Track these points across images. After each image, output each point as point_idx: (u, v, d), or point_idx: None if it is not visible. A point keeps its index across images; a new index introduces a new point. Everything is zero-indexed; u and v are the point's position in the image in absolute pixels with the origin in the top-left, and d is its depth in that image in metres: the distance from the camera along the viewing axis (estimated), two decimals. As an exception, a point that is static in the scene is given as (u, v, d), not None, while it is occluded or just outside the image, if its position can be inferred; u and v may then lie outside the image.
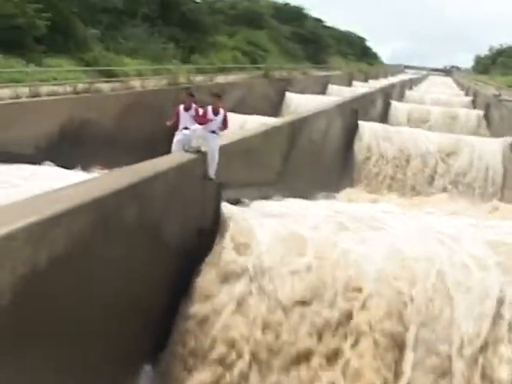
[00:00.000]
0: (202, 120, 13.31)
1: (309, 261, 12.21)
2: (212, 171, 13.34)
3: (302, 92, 50.60)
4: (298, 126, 23.05)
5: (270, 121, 26.44)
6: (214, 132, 13.30)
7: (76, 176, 14.73)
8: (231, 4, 67.51)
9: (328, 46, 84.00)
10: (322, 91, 58.15)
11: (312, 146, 24.83)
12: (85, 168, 23.24)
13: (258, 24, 64.31)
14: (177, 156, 13.12)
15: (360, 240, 12.87)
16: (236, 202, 14.84)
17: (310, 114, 25.69)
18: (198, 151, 13.33)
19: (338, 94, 54.37)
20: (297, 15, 79.21)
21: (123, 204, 10.24)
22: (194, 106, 13.65)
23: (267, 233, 12.92)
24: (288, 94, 48.46)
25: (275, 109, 45.32)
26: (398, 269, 11.83)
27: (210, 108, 13.38)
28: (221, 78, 40.85)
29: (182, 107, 13.76)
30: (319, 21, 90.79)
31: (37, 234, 8.05)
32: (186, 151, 13.35)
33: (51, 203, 8.71)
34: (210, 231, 13.11)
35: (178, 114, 13.81)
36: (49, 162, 21.12)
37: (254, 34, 60.36)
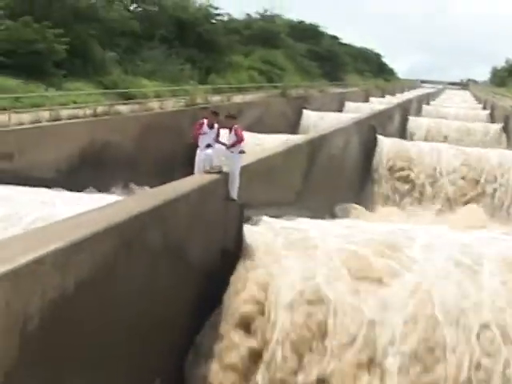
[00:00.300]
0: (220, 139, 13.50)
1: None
2: (234, 192, 13.37)
3: (319, 109, 50.68)
4: (318, 143, 23.14)
5: (289, 138, 26.56)
6: (233, 152, 13.39)
7: (98, 200, 14.75)
8: (246, 24, 67.83)
9: (344, 63, 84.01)
10: (339, 108, 58.20)
11: (331, 163, 24.88)
12: (106, 190, 23.46)
13: (273, 43, 64.52)
14: (199, 177, 13.17)
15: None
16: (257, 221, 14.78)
17: (329, 131, 25.82)
18: (220, 171, 13.37)
19: (355, 110, 54.33)
20: (312, 33, 79.32)
21: (146, 227, 10.25)
22: (216, 126, 13.74)
23: (290, 252, 12.89)
24: (305, 112, 48.65)
25: (293, 127, 45.34)
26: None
27: (227, 132, 13.44)
28: (238, 98, 41.09)
29: (205, 123, 13.77)
30: (335, 38, 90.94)
31: (63, 259, 8.11)
32: (208, 172, 13.37)
33: (75, 228, 8.79)
34: (232, 252, 13.13)
35: (199, 129, 13.82)
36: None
37: (270, 53, 60.56)
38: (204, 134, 13.70)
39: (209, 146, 13.58)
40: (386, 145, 31.89)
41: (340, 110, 56.76)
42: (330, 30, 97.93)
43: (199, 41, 48.85)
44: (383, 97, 79.87)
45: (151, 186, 25.23)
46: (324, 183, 23.43)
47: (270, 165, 17.58)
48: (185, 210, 11.64)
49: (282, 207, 18.00)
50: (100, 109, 27.12)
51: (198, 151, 13.86)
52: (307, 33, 77.95)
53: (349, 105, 60.08)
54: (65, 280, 8.15)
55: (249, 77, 51.43)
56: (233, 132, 13.34)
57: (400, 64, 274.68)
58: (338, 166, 26.21)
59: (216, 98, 38.44)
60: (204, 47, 48.74)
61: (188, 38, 48.36)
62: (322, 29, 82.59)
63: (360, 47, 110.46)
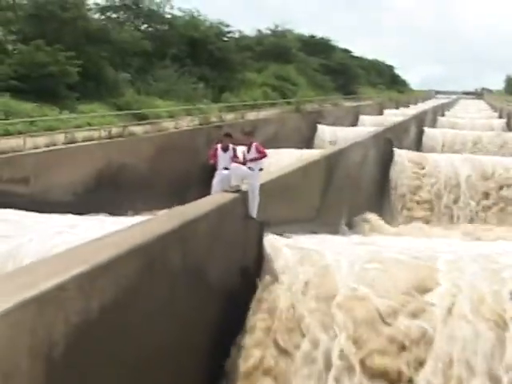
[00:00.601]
0: (237, 160, 13.56)
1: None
2: (253, 210, 13.41)
3: (333, 124, 50.85)
4: (335, 158, 23.12)
5: (303, 154, 26.55)
6: (253, 169, 13.40)
7: (117, 222, 14.83)
8: (257, 40, 67.99)
9: (357, 75, 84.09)
10: (354, 122, 58.28)
11: (349, 178, 24.80)
12: (122, 213, 23.56)
13: (285, 58, 64.67)
14: (217, 197, 13.19)
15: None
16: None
17: (346, 146, 25.79)
18: (238, 190, 13.40)
19: (369, 123, 54.40)
20: (324, 47, 79.41)
21: (168, 248, 10.32)
22: (231, 146, 13.78)
23: (311, 272, 12.88)
24: (320, 127, 48.71)
25: (307, 142, 45.67)
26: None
27: (245, 149, 13.46)
28: (252, 115, 41.33)
29: (219, 148, 13.83)
30: (347, 51, 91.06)
31: (87, 284, 8.16)
32: (226, 191, 13.40)
33: (99, 251, 8.85)
34: (253, 272, 13.18)
35: (215, 155, 13.88)
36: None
37: (282, 69, 60.67)
38: (219, 156, 13.77)
39: (225, 168, 13.68)
40: (403, 158, 31.93)
41: (354, 124, 56.85)
42: (342, 44, 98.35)
43: (211, 59, 49.07)
44: (397, 109, 79.86)
45: (167, 208, 25.64)
46: (342, 198, 23.45)
47: (289, 182, 17.61)
48: (204, 230, 11.68)
49: (301, 224, 17.94)
50: (114, 130, 27.40)
51: (216, 174, 13.97)
52: (319, 47, 78.02)
53: (363, 118, 60.10)
54: (89, 304, 8.18)
55: (262, 93, 51.54)
56: (253, 148, 13.42)
57: (413, 75, 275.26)
58: (356, 180, 26.11)
59: (230, 116, 38.82)
60: (216, 65, 48.99)
61: (200, 56, 48.56)
62: (333, 42, 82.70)
63: (372, 59, 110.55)
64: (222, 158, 13.73)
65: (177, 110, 36.29)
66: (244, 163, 13.45)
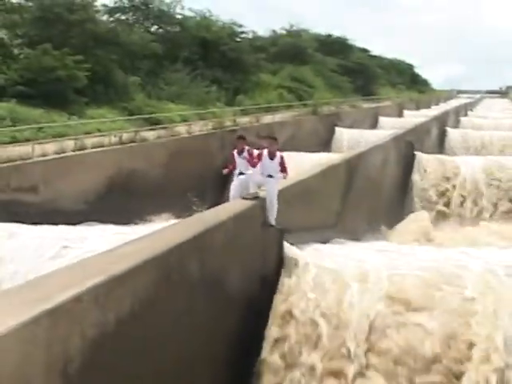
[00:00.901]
0: (255, 162, 13.51)
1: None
2: (272, 217, 13.40)
3: (351, 126, 50.90)
4: (355, 163, 23.09)
5: (321, 157, 26.46)
6: (271, 176, 13.36)
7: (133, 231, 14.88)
8: (272, 40, 67.94)
9: (376, 76, 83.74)
10: (373, 124, 58.23)
11: (369, 182, 24.84)
12: (135, 221, 23.59)
13: (301, 59, 64.53)
14: (235, 204, 13.28)
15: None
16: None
17: (366, 149, 25.76)
18: (256, 197, 13.43)
19: (389, 125, 54.37)
20: (341, 46, 79.15)
21: (185, 257, 10.41)
22: (246, 148, 13.89)
23: (332, 281, 12.83)
24: (338, 129, 48.78)
25: (325, 145, 45.75)
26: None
27: (265, 151, 13.40)
28: (268, 118, 41.38)
29: (235, 152, 13.98)
30: (365, 50, 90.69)
31: (103, 295, 8.17)
32: (244, 198, 13.46)
33: (115, 262, 8.90)
34: (273, 280, 13.23)
35: (233, 159, 14.04)
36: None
37: (298, 70, 60.59)
38: (236, 161, 13.99)
39: (241, 173, 13.85)
40: (425, 161, 32.01)
41: (374, 126, 56.83)
42: (359, 43, 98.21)
43: (224, 60, 48.99)
44: (418, 110, 79.65)
45: (180, 215, 25.71)
46: (363, 203, 23.59)
47: (308, 187, 17.63)
48: (222, 239, 11.75)
49: (321, 230, 18.13)
50: (126, 136, 27.53)
51: (234, 179, 14.17)
52: (336, 46, 77.82)
53: (383, 120, 59.98)
54: (105, 316, 8.21)
55: (278, 96, 51.52)
56: (277, 159, 13.38)
57: (434, 74, 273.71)
58: (377, 184, 26.15)
59: (244, 120, 38.98)
60: (230, 67, 48.89)
61: (213, 58, 48.53)
62: (350, 41, 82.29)
63: (391, 59, 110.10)
64: (238, 162, 13.91)
65: (189, 114, 36.39)
66: (254, 165, 13.46)
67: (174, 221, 24.70)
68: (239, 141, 14.13)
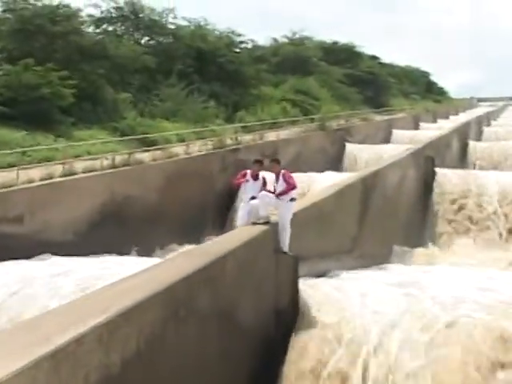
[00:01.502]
0: (267, 189, 13.85)
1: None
2: (285, 244, 13.47)
3: (363, 141, 50.82)
4: (371, 182, 23.28)
5: (334, 177, 26.41)
6: (253, 198, 13.68)
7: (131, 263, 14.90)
8: (273, 50, 68.16)
9: (387, 85, 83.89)
10: (386, 138, 58.12)
11: (387, 202, 25.02)
12: (130, 251, 23.83)
13: (305, 69, 64.76)
14: (245, 230, 13.34)
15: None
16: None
17: (382, 166, 25.94)
18: (268, 222, 13.55)
19: (404, 139, 54.33)
20: (349, 54, 79.29)
21: (194, 290, 10.44)
22: (261, 176, 14.16)
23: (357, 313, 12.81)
24: (348, 146, 48.86)
25: (335, 163, 45.82)
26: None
27: (273, 178, 13.66)
28: (272, 135, 41.59)
29: (249, 175, 14.20)
30: (375, 58, 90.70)
31: (107, 335, 8.14)
32: (254, 223, 13.59)
33: (119, 298, 8.93)
34: (287, 312, 13.28)
35: (242, 179, 14.26)
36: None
37: (302, 81, 60.76)
38: (247, 184, 14.20)
39: (253, 198, 13.91)
40: (446, 177, 32.10)
41: (387, 140, 56.65)
42: (368, 50, 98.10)
43: (222, 73, 49.27)
44: (435, 121, 79.59)
45: (180, 243, 25.58)
46: (380, 226, 23.71)
47: (322, 210, 17.70)
48: (233, 268, 11.82)
49: (337, 257, 18.37)
50: (118, 158, 27.51)
51: (242, 204, 14.33)
52: (343, 55, 78.04)
53: (397, 134, 59.88)
54: (109, 358, 8.19)
55: (281, 110, 51.62)
56: (281, 178, 13.63)
57: (451, 82, 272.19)
58: (395, 205, 26.45)
59: (247, 137, 39.12)
60: (228, 80, 49.16)
61: (209, 70, 48.82)
62: (358, 49, 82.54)
63: (404, 66, 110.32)
64: (251, 187, 14.10)
65: (187, 133, 36.56)
66: (275, 194, 13.65)
67: (174, 250, 25.06)
68: (256, 165, 14.34)
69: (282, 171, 13.70)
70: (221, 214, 30.44)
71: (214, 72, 49.07)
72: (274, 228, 13.39)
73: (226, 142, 36.14)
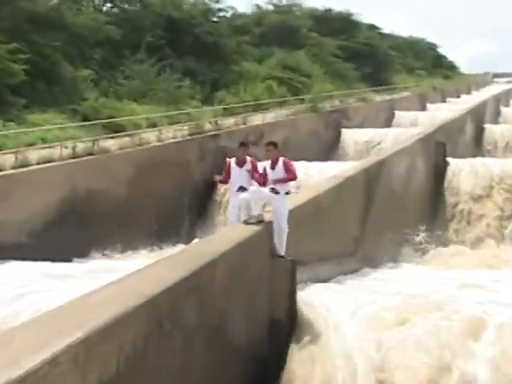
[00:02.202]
0: (261, 177, 13.89)
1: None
2: (282, 246, 13.62)
3: (361, 125, 51.10)
4: (375, 172, 23.52)
5: (331, 167, 26.45)
6: (278, 192, 13.58)
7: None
8: (257, 19, 67.88)
9: (389, 59, 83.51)
10: (388, 120, 58.16)
11: (393, 196, 25.41)
12: (96, 255, 24.16)
13: (294, 41, 64.51)
14: (235, 230, 13.49)
15: None
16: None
17: (387, 155, 26.14)
18: (262, 221, 13.65)
19: (408, 122, 54.57)
20: (344, 24, 78.79)
21: (179, 300, 10.55)
22: (249, 158, 14.33)
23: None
24: (345, 131, 49.02)
25: (329, 151, 46.33)
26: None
27: (267, 163, 13.71)
28: (257, 119, 41.68)
29: (233, 161, 14.43)
30: (374, 28, 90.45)
31: (84, 354, 8.18)
32: (246, 222, 13.68)
33: (95, 311, 8.95)
34: (283, 324, 13.52)
35: (229, 170, 14.42)
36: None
37: (290, 56, 60.59)
38: (232, 172, 14.40)
39: (242, 188, 14.12)
40: (459, 166, 32.39)
41: (389, 123, 56.72)
42: (366, 18, 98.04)
43: (198, 46, 48.99)
44: (444, 101, 79.67)
45: (154, 244, 25.65)
46: (386, 224, 24.08)
47: (320, 207, 17.84)
48: (223, 275, 11.94)
49: (339, 260, 18.77)
50: (80, 147, 27.41)
51: (231, 196, 14.65)
52: (337, 24, 77.59)
53: (400, 116, 59.82)
54: (86, 380, 8.25)
55: (266, 89, 51.52)
56: (280, 165, 13.73)
57: (462, 55, 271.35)
58: (402, 198, 26.87)
59: (228, 121, 39.22)
60: (205, 54, 48.90)
61: (183, 43, 48.54)
62: (355, 17, 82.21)
63: (407, 37, 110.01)
64: (238, 175, 14.32)
65: (158, 117, 36.41)
66: (264, 183, 13.74)
67: (147, 251, 25.14)
68: (241, 149, 14.55)
69: (282, 158, 13.80)
70: (199, 208, 30.94)
71: (188, 45, 48.82)
72: (268, 228, 13.50)
73: (205, 126, 36.20)
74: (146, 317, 9.59)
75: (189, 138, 33.94)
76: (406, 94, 73.61)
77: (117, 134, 30.90)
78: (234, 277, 12.27)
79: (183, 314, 10.66)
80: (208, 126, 36.51)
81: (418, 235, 27.03)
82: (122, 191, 27.65)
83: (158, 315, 9.95)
